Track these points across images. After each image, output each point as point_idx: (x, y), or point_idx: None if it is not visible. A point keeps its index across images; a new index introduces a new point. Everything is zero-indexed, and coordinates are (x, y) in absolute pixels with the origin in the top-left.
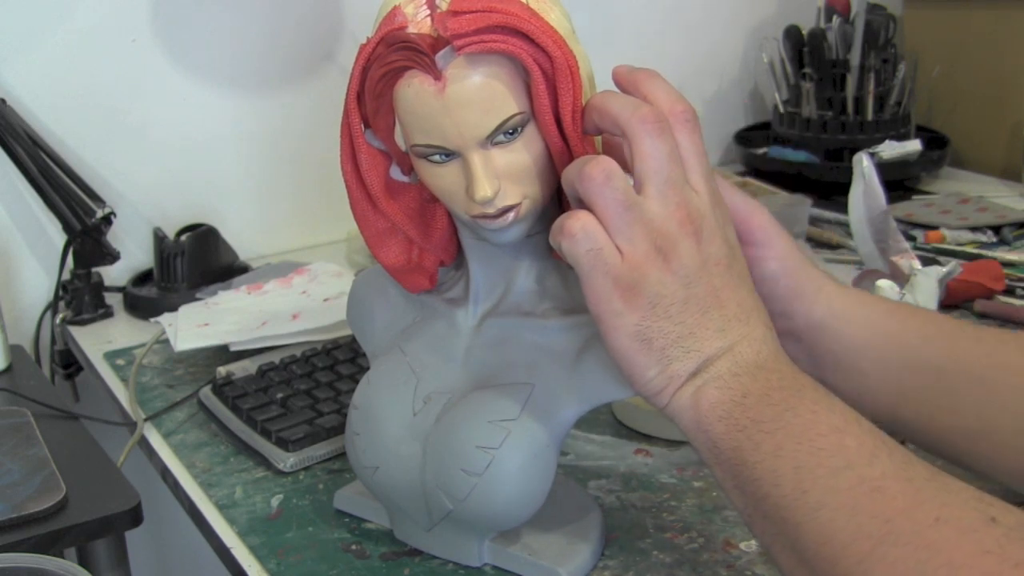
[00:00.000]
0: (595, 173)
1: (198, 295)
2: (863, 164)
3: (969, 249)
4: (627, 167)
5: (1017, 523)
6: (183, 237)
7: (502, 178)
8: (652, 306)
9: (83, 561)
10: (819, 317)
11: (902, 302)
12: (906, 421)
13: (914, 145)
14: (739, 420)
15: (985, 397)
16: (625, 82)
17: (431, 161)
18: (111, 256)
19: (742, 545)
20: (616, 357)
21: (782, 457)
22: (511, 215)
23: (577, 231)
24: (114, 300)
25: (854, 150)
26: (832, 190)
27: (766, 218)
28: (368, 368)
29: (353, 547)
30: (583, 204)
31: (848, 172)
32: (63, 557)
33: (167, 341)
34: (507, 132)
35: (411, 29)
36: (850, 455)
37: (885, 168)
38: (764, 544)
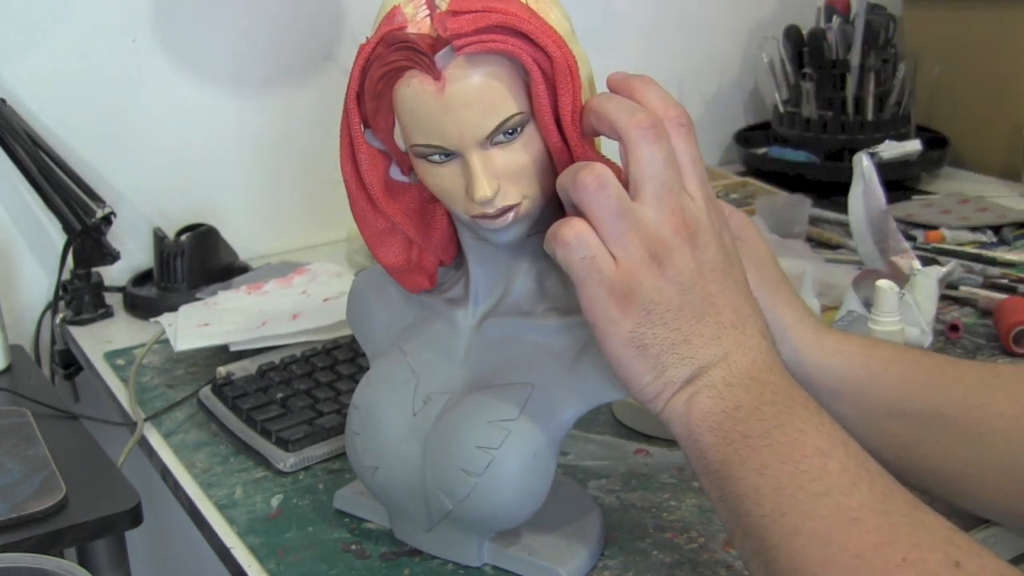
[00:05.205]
0: (588, 180)
1: (198, 295)
2: (863, 164)
3: (969, 249)
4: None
5: (980, 568)
6: (183, 237)
7: (502, 178)
8: (647, 313)
9: (83, 561)
10: (785, 361)
11: (880, 340)
12: (887, 461)
13: (914, 145)
14: (728, 433)
15: (969, 440)
16: (619, 89)
17: (431, 161)
18: (111, 256)
19: None
20: (612, 363)
21: (765, 476)
22: (511, 215)
23: (571, 239)
24: (114, 300)
25: (854, 150)
26: (832, 190)
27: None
28: (368, 368)
29: (353, 547)
30: (578, 211)
31: (848, 172)
32: (63, 557)
33: (167, 341)
34: (507, 132)
35: (411, 29)
36: (831, 480)
37: (885, 168)
38: (744, 560)
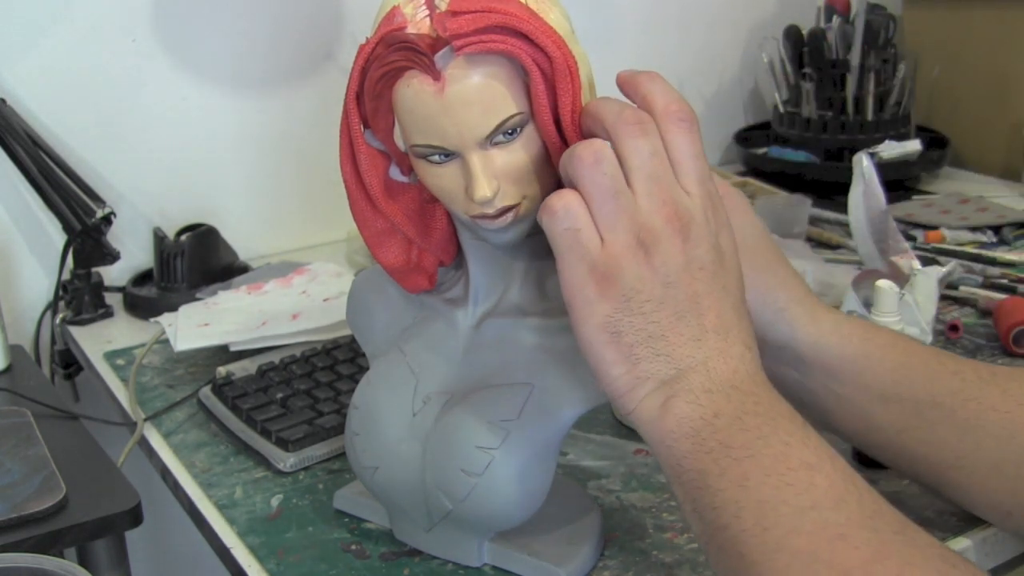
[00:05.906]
0: (585, 155)
1: (198, 295)
2: (863, 164)
3: (969, 249)
4: None
5: None
6: (183, 237)
7: (501, 178)
8: (626, 300)
9: (83, 561)
10: (782, 340)
11: (880, 327)
12: (879, 446)
13: (914, 145)
14: (707, 441)
15: (961, 432)
16: (626, 85)
17: (430, 161)
18: (111, 256)
19: None
20: (583, 348)
21: (747, 488)
22: (510, 215)
23: (558, 208)
24: (114, 300)
25: (854, 150)
26: (832, 190)
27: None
28: (368, 368)
29: (353, 547)
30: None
31: (848, 172)
32: (63, 557)
33: (167, 341)
34: (506, 132)
35: (410, 29)
36: (817, 495)
37: (885, 168)
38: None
